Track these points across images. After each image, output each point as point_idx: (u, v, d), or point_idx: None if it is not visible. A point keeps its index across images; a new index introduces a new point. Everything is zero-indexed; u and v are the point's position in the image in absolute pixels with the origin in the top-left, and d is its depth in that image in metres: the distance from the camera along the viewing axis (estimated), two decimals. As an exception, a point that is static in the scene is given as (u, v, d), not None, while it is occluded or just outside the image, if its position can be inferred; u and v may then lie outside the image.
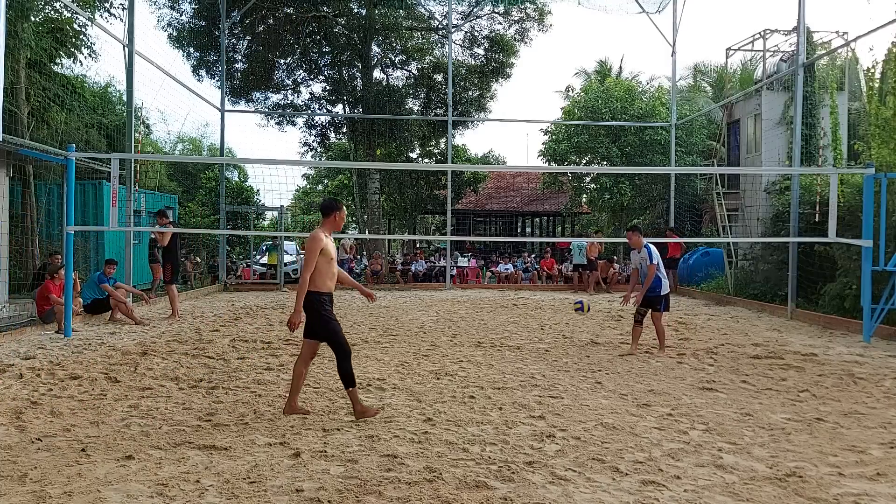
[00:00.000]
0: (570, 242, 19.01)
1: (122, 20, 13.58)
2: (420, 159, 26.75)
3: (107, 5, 14.97)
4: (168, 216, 11.19)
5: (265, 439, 4.40)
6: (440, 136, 24.28)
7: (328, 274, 4.92)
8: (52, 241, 13.53)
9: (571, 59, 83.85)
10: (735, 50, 21.45)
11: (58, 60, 15.04)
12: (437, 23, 21.74)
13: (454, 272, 18.46)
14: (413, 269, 19.17)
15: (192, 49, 20.46)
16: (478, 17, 22.01)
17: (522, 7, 21.10)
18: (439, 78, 22.00)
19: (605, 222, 26.85)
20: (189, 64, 20.71)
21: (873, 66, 12.48)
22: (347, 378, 4.88)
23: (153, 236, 11.10)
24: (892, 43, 12.40)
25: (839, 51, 18.21)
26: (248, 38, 21.27)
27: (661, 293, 7.80)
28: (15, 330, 8.84)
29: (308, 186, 42.68)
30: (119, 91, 22.14)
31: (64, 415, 4.94)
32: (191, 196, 28.99)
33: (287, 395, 5.17)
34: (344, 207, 5.27)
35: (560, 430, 4.68)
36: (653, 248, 7.84)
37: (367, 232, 21.98)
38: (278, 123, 22.47)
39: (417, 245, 31.03)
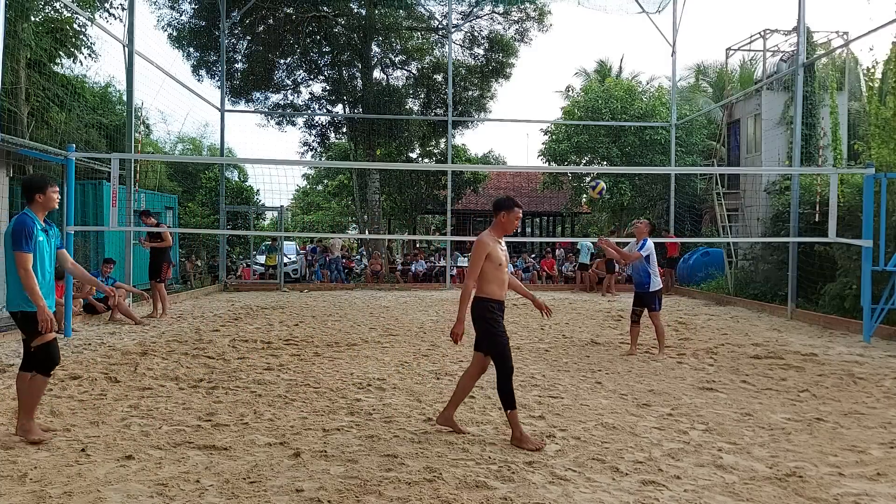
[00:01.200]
0: (577, 242, 18.95)
1: (121, 20, 13.61)
2: (420, 159, 26.73)
3: (107, 5, 15.01)
4: (151, 216, 11.08)
5: (265, 439, 4.40)
6: (440, 136, 24.26)
7: (497, 280, 4.42)
8: (52, 242, 13.49)
9: (571, 59, 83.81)
10: (735, 50, 21.45)
11: (58, 60, 15.06)
12: (437, 23, 21.74)
13: (454, 272, 18.46)
14: (413, 269, 19.18)
15: (192, 49, 20.48)
16: (478, 17, 22.01)
17: (522, 7, 21.09)
18: (439, 78, 21.99)
19: (605, 222, 26.84)
20: (189, 64, 20.76)
21: (873, 66, 12.52)
22: (507, 398, 4.38)
23: (141, 241, 11.08)
24: (893, 43, 12.43)
25: (839, 51, 18.22)
26: (248, 38, 21.28)
27: (651, 290, 7.84)
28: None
29: (308, 186, 42.66)
30: (119, 91, 22.18)
31: (64, 415, 4.94)
32: (191, 196, 28.96)
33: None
34: (517, 207, 4.56)
35: (560, 430, 4.69)
36: (650, 243, 7.89)
37: (367, 232, 21.98)
38: (278, 123, 22.49)
39: (417, 245, 30.99)
